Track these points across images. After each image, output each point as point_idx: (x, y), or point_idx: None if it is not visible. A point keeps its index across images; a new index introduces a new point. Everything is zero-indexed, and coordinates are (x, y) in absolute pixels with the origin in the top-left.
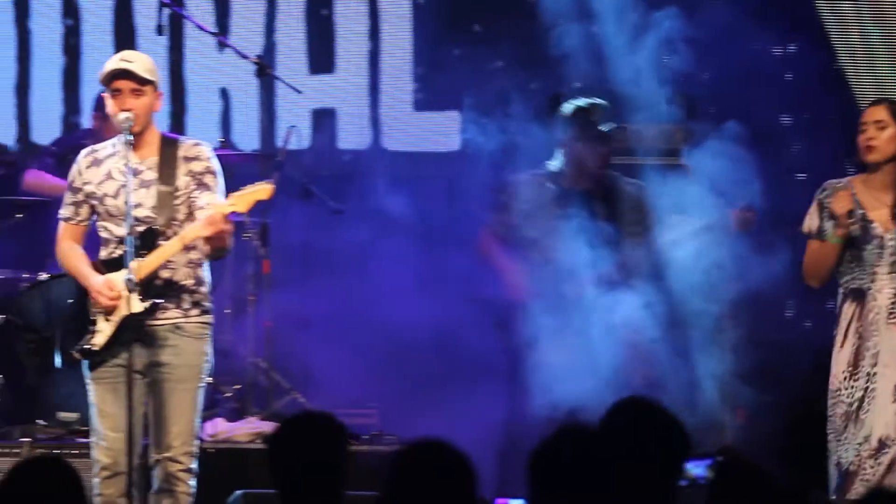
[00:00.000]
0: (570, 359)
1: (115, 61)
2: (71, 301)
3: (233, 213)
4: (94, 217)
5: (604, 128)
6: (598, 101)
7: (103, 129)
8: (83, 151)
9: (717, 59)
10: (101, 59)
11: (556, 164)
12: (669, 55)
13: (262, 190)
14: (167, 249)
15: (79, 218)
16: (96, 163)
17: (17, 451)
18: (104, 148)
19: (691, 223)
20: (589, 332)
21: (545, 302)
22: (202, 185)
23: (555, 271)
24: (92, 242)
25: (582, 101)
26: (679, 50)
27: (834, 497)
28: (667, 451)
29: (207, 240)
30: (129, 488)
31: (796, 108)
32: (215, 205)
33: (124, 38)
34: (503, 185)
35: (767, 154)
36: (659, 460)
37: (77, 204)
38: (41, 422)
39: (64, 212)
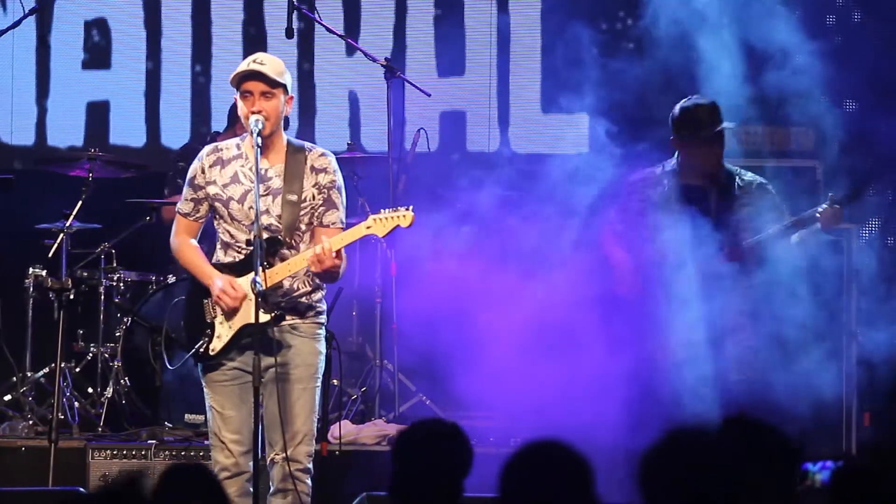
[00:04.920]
0: (679, 353)
1: (247, 63)
2: (189, 302)
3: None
4: (211, 215)
5: (715, 128)
6: (707, 101)
7: (235, 135)
8: (206, 149)
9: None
10: (232, 63)
11: (672, 161)
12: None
13: (402, 217)
14: (294, 264)
15: (198, 215)
16: (220, 162)
17: (144, 452)
18: (228, 148)
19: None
20: (696, 328)
21: (658, 296)
22: (328, 201)
23: (669, 265)
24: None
25: (693, 102)
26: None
27: None
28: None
29: (316, 274)
30: (256, 489)
31: None
32: (330, 240)
33: (254, 41)
34: (622, 183)
35: None
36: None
37: (197, 201)
38: (168, 424)
39: (183, 207)
